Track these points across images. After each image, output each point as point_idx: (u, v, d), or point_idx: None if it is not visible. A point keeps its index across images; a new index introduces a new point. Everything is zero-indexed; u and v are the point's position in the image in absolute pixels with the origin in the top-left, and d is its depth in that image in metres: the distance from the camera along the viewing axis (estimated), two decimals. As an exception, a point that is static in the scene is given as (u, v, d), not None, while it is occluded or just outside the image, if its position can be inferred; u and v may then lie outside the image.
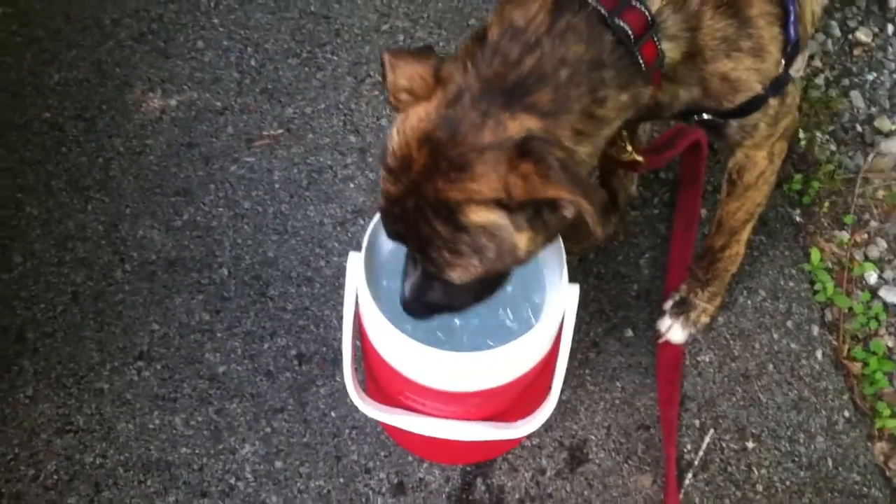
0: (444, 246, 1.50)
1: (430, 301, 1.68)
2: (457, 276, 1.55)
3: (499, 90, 1.45)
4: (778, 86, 1.73)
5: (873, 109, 2.65)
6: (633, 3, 1.50)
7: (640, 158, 2.03)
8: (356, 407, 1.89)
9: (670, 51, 1.58)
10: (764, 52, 1.66)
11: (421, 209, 1.48)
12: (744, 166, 1.97)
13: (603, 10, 1.48)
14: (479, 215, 1.47)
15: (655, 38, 1.54)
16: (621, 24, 1.49)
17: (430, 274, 1.60)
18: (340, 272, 2.31)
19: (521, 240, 1.52)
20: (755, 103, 1.73)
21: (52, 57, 2.60)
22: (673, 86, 1.68)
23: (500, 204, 1.46)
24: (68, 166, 2.46)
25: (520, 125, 1.44)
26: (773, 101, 1.77)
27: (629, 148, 2.02)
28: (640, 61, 1.53)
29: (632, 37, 1.50)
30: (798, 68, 1.77)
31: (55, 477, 2.09)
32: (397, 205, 1.51)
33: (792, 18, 1.67)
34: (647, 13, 1.51)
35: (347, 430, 2.17)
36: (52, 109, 2.53)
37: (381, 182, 1.55)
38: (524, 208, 1.48)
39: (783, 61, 1.70)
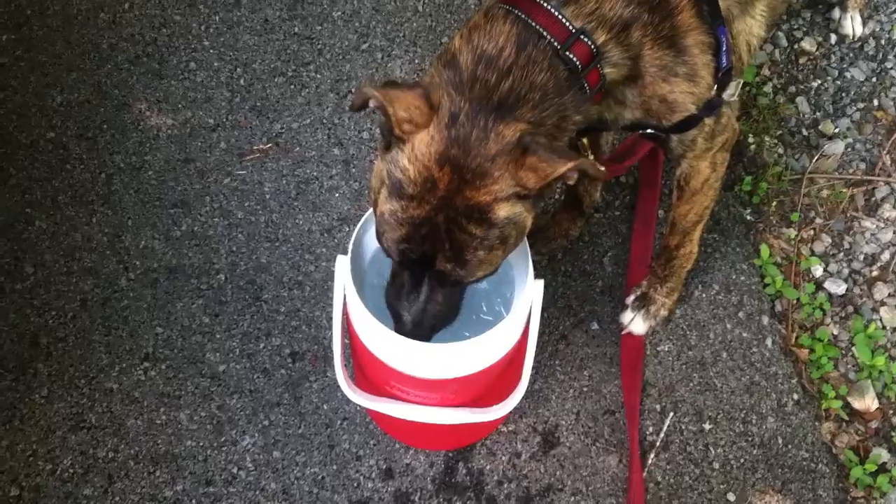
0: (480, 245, 1.70)
1: (430, 324, 1.88)
2: (483, 272, 1.76)
3: (488, 109, 1.66)
4: (711, 107, 1.93)
5: (818, 114, 2.84)
6: (582, 37, 1.70)
7: (601, 168, 2.23)
8: (347, 400, 2.06)
9: (611, 73, 1.78)
10: (697, 77, 1.86)
11: (453, 219, 1.67)
12: (689, 174, 2.16)
13: (556, 44, 1.69)
14: (504, 209, 1.68)
15: (599, 66, 1.74)
16: (571, 56, 1.70)
17: (451, 282, 1.78)
18: (329, 276, 2.48)
19: (529, 219, 1.75)
20: (691, 122, 1.93)
21: (55, 80, 2.76)
22: (618, 107, 1.89)
23: (517, 195, 1.68)
24: (73, 182, 2.61)
25: (513, 130, 1.65)
26: (708, 121, 1.97)
27: (591, 158, 2.21)
28: (586, 86, 1.74)
29: (580, 67, 1.71)
30: (731, 93, 1.96)
31: (71, 471, 2.26)
32: (424, 225, 1.68)
33: (724, 48, 1.86)
34: (592, 46, 1.71)
35: (339, 422, 2.34)
36: (56, 129, 2.69)
37: (397, 213, 1.69)
38: (534, 194, 1.69)
39: (715, 86, 1.90)
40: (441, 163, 1.65)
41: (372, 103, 1.69)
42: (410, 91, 1.69)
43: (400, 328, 1.89)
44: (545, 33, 1.70)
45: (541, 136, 1.68)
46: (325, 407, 2.36)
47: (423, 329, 1.87)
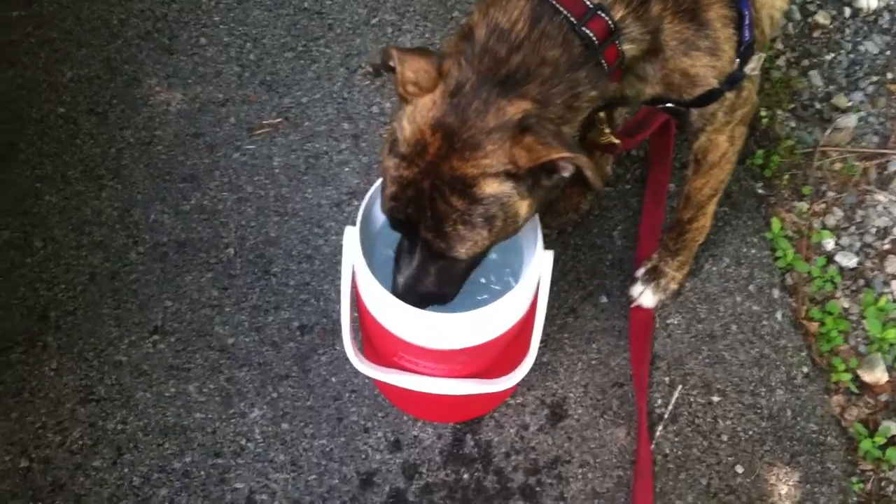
0: (460, 219, 1.69)
1: (423, 292, 1.87)
2: (465, 250, 1.74)
3: (493, 82, 1.65)
4: (733, 81, 1.90)
5: (831, 87, 2.81)
6: (599, 12, 1.68)
7: (617, 141, 2.23)
8: (355, 372, 2.06)
9: (630, 50, 1.76)
10: (719, 51, 1.83)
11: (437, 187, 1.67)
12: (707, 148, 2.14)
13: (573, 19, 1.67)
14: (492, 186, 1.66)
15: (617, 43, 1.73)
16: (587, 32, 1.68)
17: (436, 254, 1.77)
18: (338, 250, 2.46)
19: (523, 207, 1.72)
20: (712, 95, 1.91)
21: (65, 56, 2.77)
22: (639, 83, 1.87)
23: (508, 174, 1.66)
24: (83, 157, 2.62)
25: (516, 108, 1.64)
26: (729, 94, 1.95)
27: (607, 131, 2.21)
28: (604, 63, 1.72)
29: (596, 43, 1.69)
30: (753, 67, 1.93)
31: (80, 442, 2.27)
32: (411, 187, 1.69)
33: (746, 21, 1.83)
34: (609, 21, 1.69)
35: (347, 394, 2.34)
36: (66, 105, 2.70)
37: (391, 170, 1.71)
38: (527, 177, 1.68)
39: (738, 60, 1.88)
40: (434, 128, 1.65)
41: (391, 62, 1.71)
42: (424, 56, 1.70)
43: (393, 289, 1.89)
44: (561, 8, 1.68)
45: (548, 122, 1.66)
46: (333, 380, 2.36)
47: (413, 295, 1.87)
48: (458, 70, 1.67)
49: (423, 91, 1.69)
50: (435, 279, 1.86)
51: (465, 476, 2.27)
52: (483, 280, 2.15)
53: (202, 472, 2.25)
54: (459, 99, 1.65)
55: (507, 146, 1.64)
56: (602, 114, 2.19)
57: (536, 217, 1.96)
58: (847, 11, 2.93)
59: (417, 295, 1.88)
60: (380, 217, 2.05)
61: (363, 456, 2.29)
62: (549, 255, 1.96)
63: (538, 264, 1.95)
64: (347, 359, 2.02)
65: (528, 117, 1.64)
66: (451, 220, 1.69)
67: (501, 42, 1.67)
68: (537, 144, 1.63)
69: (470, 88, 1.65)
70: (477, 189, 1.66)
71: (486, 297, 2.10)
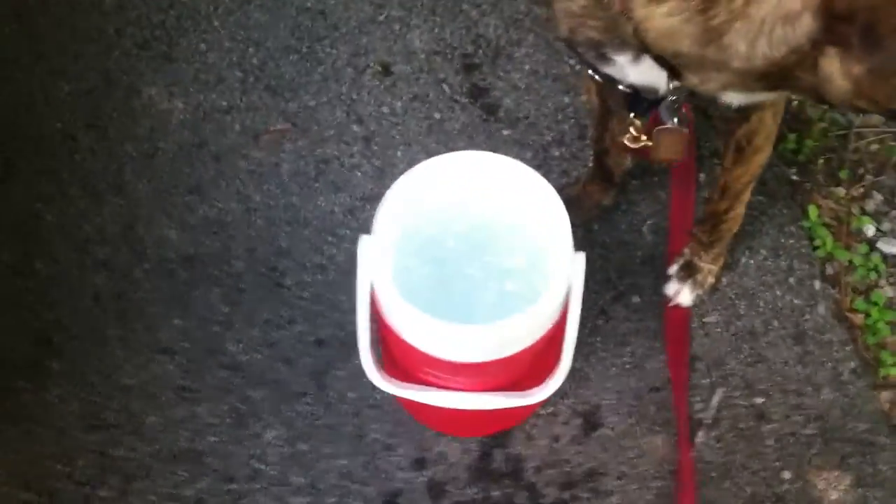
0: None
1: None
2: None
3: None
4: None
5: (864, 66, 2.70)
6: None
7: (650, 143, 2.09)
8: (375, 387, 1.96)
9: None
10: None
11: None
12: (755, 130, 1.99)
13: None
14: None
15: None
16: None
17: None
18: (353, 259, 2.34)
19: None
20: None
21: (61, 70, 2.67)
22: None
23: None
24: (83, 173, 2.53)
25: None
26: None
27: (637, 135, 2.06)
28: None
29: None
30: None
31: (87, 472, 2.18)
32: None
33: None
34: None
35: (367, 410, 2.25)
36: (64, 120, 2.60)
37: None
38: None
39: None
40: None
41: None
42: None
43: None
44: None
45: None
46: (351, 395, 2.26)
47: None
48: None
49: None
50: None
51: (495, 493, 2.17)
52: (510, 287, 2.03)
53: (216, 499, 2.16)
54: None
55: None
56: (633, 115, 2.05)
57: (566, 219, 1.84)
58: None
59: None
60: (399, 223, 1.93)
61: (386, 475, 2.19)
62: (581, 256, 1.83)
63: (569, 267, 1.83)
64: (365, 370, 1.92)
65: None
66: None
67: None
68: None
69: None
70: None
71: (514, 304, 1.98)
